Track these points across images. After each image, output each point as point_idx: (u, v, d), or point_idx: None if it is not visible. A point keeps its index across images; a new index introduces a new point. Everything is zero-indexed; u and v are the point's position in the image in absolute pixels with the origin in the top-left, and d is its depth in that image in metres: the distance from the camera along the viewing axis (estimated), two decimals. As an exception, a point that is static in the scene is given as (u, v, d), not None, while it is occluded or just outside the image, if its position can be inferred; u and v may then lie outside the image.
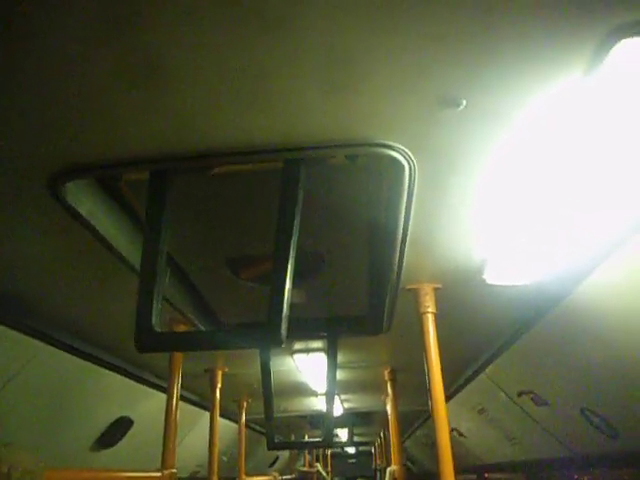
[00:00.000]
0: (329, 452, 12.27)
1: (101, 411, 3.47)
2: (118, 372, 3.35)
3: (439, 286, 2.24)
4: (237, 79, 1.11)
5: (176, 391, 2.50)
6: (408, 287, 2.24)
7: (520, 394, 3.36)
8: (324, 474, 8.74)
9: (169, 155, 1.31)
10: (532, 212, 1.76)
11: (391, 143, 1.30)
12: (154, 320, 1.16)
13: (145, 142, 1.27)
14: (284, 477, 7.26)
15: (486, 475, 7.33)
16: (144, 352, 1.17)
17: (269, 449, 2.81)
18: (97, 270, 1.92)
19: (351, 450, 14.09)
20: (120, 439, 3.65)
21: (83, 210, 1.43)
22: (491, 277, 2.11)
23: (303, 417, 7.13)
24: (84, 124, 1.21)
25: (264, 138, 1.29)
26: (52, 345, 2.62)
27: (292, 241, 1.27)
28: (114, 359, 3.24)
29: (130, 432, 3.74)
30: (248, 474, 4.88)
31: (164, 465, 2.28)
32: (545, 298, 2.36)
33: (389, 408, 4.67)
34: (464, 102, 1.17)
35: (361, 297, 2.54)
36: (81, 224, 1.49)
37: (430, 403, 2.11)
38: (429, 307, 2.21)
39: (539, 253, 2.00)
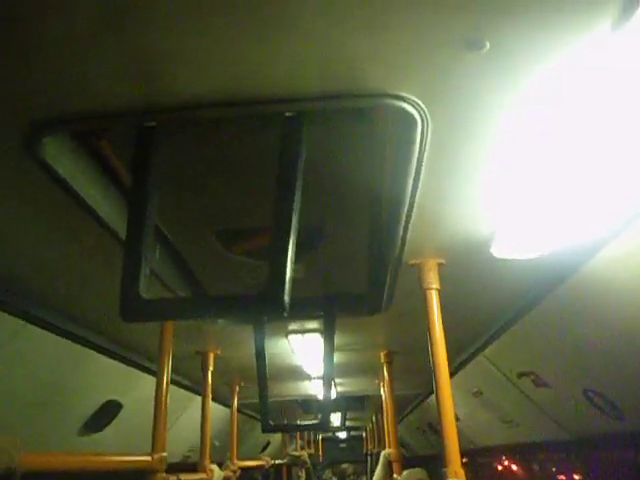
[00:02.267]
0: (320, 437, 12.26)
1: (89, 394, 3.35)
2: (107, 354, 3.22)
3: (443, 261, 2.13)
4: (234, 25, 0.99)
5: (167, 372, 2.39)
6: (411, 262, 2.13)
7: (520, 376, 3.28)
8: (307, 460, 8.61)
9: (158, 107, 1.18)
10: (545, 181, 1.65)
11: (403, 94, 1.18)
12: (141, 286, 1.04)
13: (131, 91, 1.14)
14: (276, 461, 7.22)
15: (479, 460, 7.29)
16: (130, 321, 1.05)
17: (264, 431, 2.72)
18: (81, 241, 1.78)
19: (342, 435, 14.09)
20: (108, 423, 3.54)
21: (62, 170, 1.29)
22: (499, 250, 2.01)
23: (295, 401, 7.06)
24: (63, 69, 1.07)
25: (262, 88, 1.16)
26: (35, 324, 2.49)
27: (294, 204, 1.15)
28: (102, 340, 3.11)
29: (119, 416, 3.63)
30: (240, 458, 4.80)
31: (154, 448, 2.18)
32: (553, 273, 2.26)
33: (384, 392, 4.60)
34: (487, 44, 1.05)
35: (360, 274, 2.42)
36: (60, 186, 1.35)
37: (434, 383, 2.03)
38: (433, 283, 2.10)
39: (551, 225, 1.90)
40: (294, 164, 1.18)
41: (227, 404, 4.92)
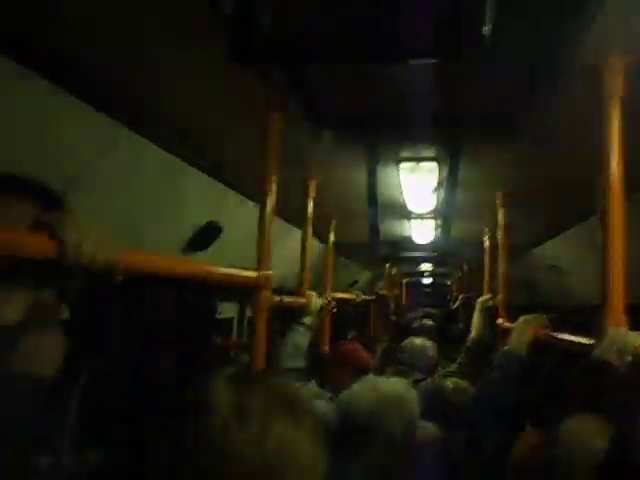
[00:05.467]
0: (404, 281, 12.47)
1: (191, 213, 3.33)
2: (208, 173, 3.11)
3: (632, 61, 1.59)
4: None
5: (272, 192, 2.14)
6: (589, 62, 1.61)
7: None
8: (390, 302, 8.77)
9: None
10: None
11: None
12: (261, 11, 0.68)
13: None
14: (365, 297, 7.40)
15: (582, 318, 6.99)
16: (248, 60, 0.72)
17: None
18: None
19: (427, 281, 14.24)
20: (210, 244, 3.57)
21: None
22: None
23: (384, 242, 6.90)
24: None
25: None
26: (134, 132, 2.33)
27: None
28: (201, 159, 2.96)
29: (220, 239, 3.64)
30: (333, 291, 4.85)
31: (260, 266, 2.04)
32: None
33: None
34: None
35: (505, 83, 1.93)
36: None
37: (603, 225, 1.66)
38: (616, 90, 1.60)
39: None
40: None
41: (321, 239, 4.88)
